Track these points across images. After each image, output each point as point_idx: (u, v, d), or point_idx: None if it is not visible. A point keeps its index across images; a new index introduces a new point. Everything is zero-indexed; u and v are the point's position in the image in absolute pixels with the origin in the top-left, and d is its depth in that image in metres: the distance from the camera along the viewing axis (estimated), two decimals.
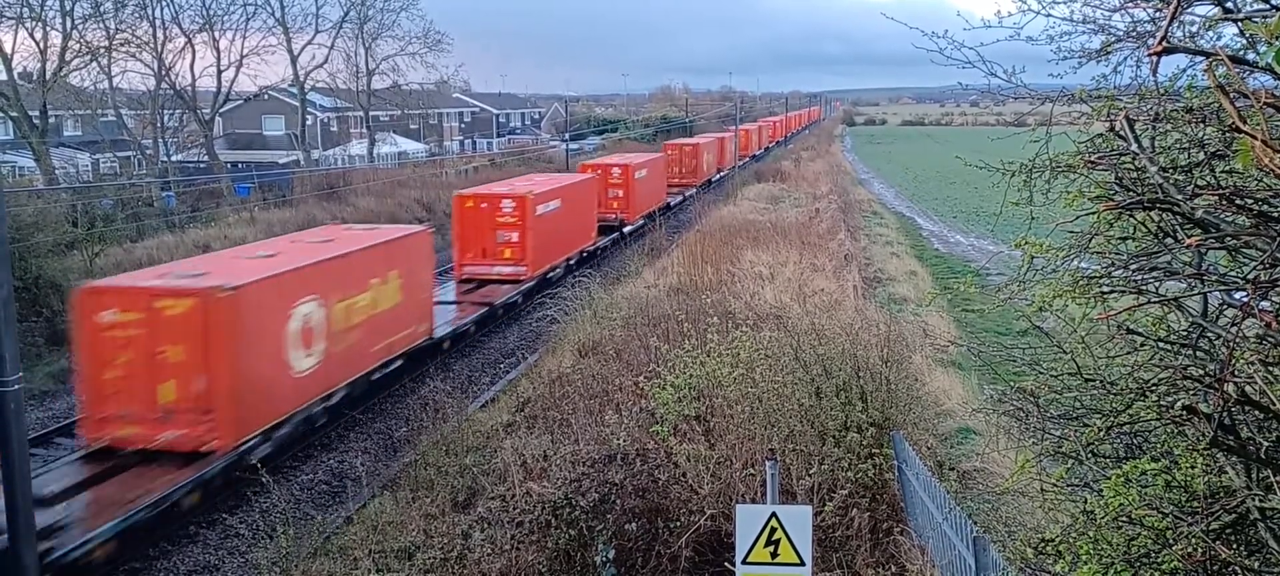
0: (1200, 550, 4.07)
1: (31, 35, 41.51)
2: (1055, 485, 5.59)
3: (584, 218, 34.66)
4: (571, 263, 32.46)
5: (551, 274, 29.98)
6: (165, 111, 48.50)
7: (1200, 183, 4.34)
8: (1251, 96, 3.04)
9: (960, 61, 5.87)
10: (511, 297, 27.02)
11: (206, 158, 51.44)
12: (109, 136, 50.14)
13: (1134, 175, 4.47)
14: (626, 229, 39.94)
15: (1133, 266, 4.72)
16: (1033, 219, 5.77)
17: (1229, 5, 4.26)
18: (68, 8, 41.94)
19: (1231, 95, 2.94)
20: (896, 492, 10.61)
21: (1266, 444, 4.08)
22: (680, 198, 52.24)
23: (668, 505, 10.33)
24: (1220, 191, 3.87)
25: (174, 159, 51.09)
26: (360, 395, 18.80)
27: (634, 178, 40.89)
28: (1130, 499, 4.35)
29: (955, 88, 6.49)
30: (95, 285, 15.23)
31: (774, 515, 7.18)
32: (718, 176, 63.84)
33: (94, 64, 44.28)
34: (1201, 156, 4.53)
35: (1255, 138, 2.76)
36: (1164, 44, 3.24)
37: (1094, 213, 4.98)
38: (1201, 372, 4.34)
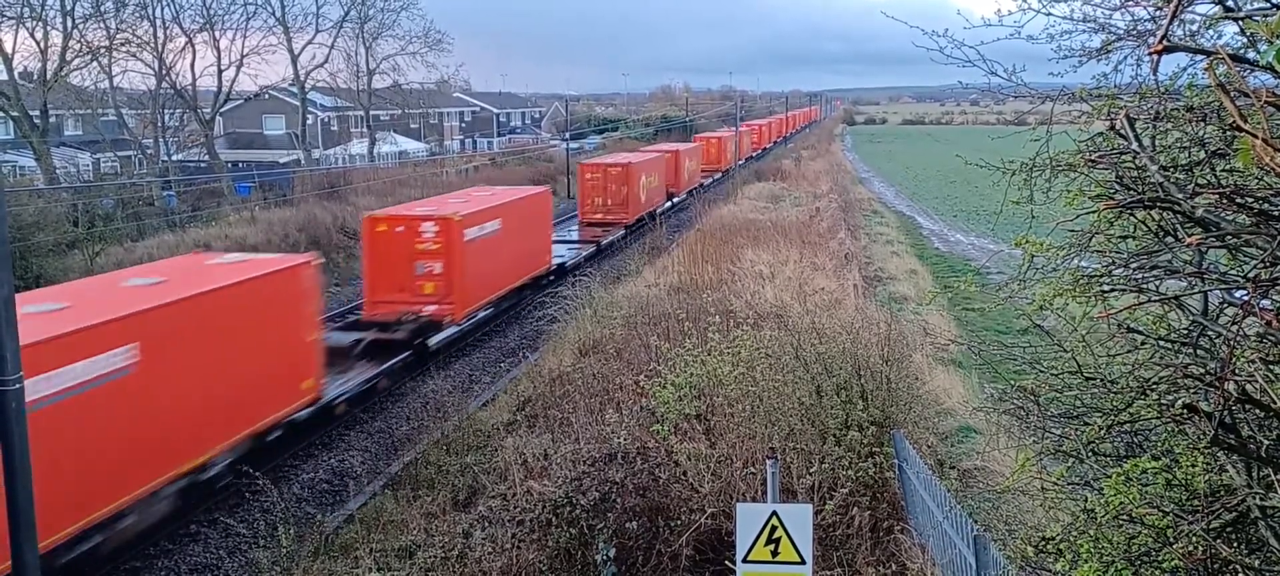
0: (1201, 548, 4.07)
1: (32, 35, 41.59)
2: (1056, 483, 5.59)
3: (268, 355, 15.82)
4: (214, 476, 14.48)
5: (143, 515, 13.07)
6: (166, 111, 48.55)
7: (1201, 181, 4.34)
8: (1252, 95, 3.04)
9: (960, 60, 5.87)
10: None
11: (207, 157, 51.45)
12: (110, 136, 50.17)
13: (1134, 174, 4.47)
14: (440, 337, 22.07)
15: (1133, 265, 4.72)
16: (1033, 218, 5.77)
17: (1229, 4, 4.26)
18: (68, 7, 41.97)
19: (1232, 94, 2.94)
20: (897, 491, 10.61)
21: (1267, 442, 4.08)
22: (591, 248, 35.06)
23: (668, 504, 10.33)
24: (1221, 190, 3.87)
25: (174, 158, 51.11)
26: None
27: (461, 239, 22.30)
28: (1131, 497, 4.35)
29: (955, 86, 6.49)
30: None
31: (774, 514, 7.18)
32: (667, 205, 47.53)
33: (94, 63, 44.34)
34: (1202, 155, 4.53)
35: (1256, 136, 2.76)
36: (1164, 42, 3.24)
37: (1094, 211, 4.98)
38: (1202, 371, 4.34)
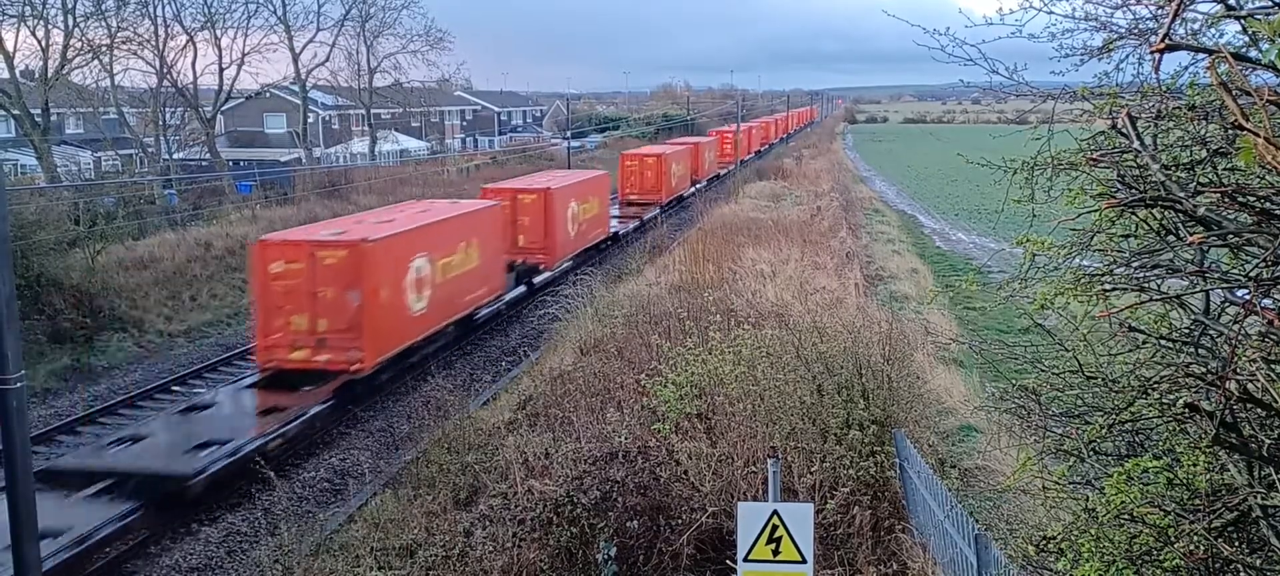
0: (1202, 548, 4.07)
1: (33, 33, 41.53)
2: (1057, 483, 5.59)
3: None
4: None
5: None
6: (167, 109, 48.53)
7: (1202, 180, 4.34)
8: (1254, 94, 3.04)
9: (961, 59, 5.86)
10: None
11: (208, 155, 51.46)
12: (111, 134, 50.15)
13: (1136, 172, 4.46)
14: None
15: (1135, 264, 4.71)
16: (1034, 216, 5.76)
17: (1231, 2, 4.26)
18: (70, 5, 41.93)
19: (1234, 92, 2.93)
20: (898, 490, 10.60)
21: (1269, 441, 4.07)
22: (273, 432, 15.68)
23: (669, 503, 10.33)
24: (1222, 189, 3.86)
25: (176, 156, 51.11)
26: None
27: None
28: (1132, 497, 4.35)
29: (957, 85, 6.48)
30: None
31: (776, 513, 7.18)
32: (513, 294, 26.95)
33: (96, 62, 44.28)
34: (1204, 154, 4.52)
35: (1258, 135, 2.75)
36: (1166, 41, 3.24)
37: (1096, 210, 4.97)
38: (1203, 370, 4.34)
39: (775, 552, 7.14)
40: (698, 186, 53.84)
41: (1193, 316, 4.79)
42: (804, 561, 7.14)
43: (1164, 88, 4.75)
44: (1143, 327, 5.00)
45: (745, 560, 7.22)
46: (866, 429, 10.79)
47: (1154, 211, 4.63)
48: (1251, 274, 3.71)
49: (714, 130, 72.99)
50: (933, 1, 9.84)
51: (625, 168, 44.94)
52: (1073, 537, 4.75)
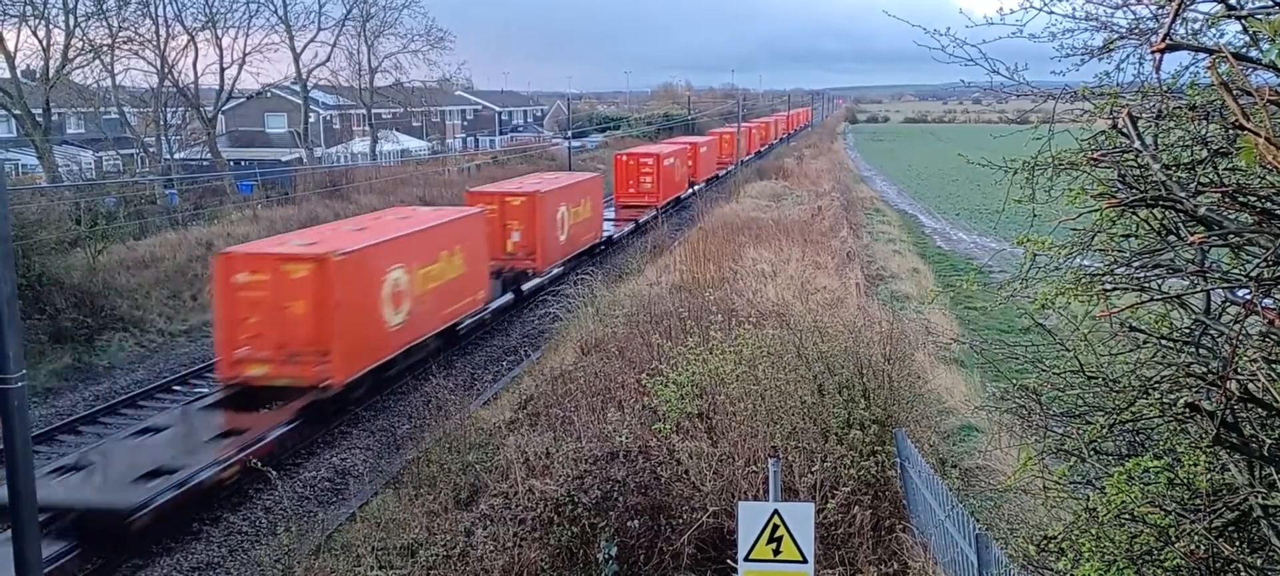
0: (1203, 547, 4.07)
1: (35, 33, 41.54)
2: (1058, 482, 5.59)
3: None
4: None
5: None
6: (168, 109, 48.53)
7: (1203, 180, 4.33)
8: (1254, 93, 3.04)
9: (962, 59, 5.86)
10: None
11: (209, 155, 51.47)
12: (112, 134, 50.16)
13: (1137, 172, 4.46)
14: None
15: (1135, 264, 4.71)
16: (1035, 216, 5.76)
17: (1232, 2, 4.26)
18: (71, 5, 41.94)
19: (1235, 92, 2.94)
20: (899, 490, 10.61)
21: (1269, 441, 4.08)
22: None
23: (670, 502, 10.33)
24: (1223, 189, 3.86)
25: (177, 156, 51.11)
26: None
27: None
28: (1133, 496, 4.35)
29: (958, 85, 6.48)
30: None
31: (776, 512, 7.19)
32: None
33: (97, 61, 44.28)
34: (1204, 154, 4.52)
35: (1258, 135, 2.76)
36: (1167, 41, 3.24)
37: (1096, 210, 4.96)
38: (1204, 370, 4.34)
39: (776, 552, 7.14)
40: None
41: (1193, 316, 4.79)
42: (805, 561, 7.14)
43: (1165, 87, 4.75)
44: (1143, 327, 5.00)
45: (746, 559, 7.22)
46: (867, 428, 10.79)
47: (1155, 211, 4.62)
48: (1252, 274, 3.71)
49: (632, 152, 47.80)
50: (933, 1, 9.84)
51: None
52: (1073, 537, 4.75)
